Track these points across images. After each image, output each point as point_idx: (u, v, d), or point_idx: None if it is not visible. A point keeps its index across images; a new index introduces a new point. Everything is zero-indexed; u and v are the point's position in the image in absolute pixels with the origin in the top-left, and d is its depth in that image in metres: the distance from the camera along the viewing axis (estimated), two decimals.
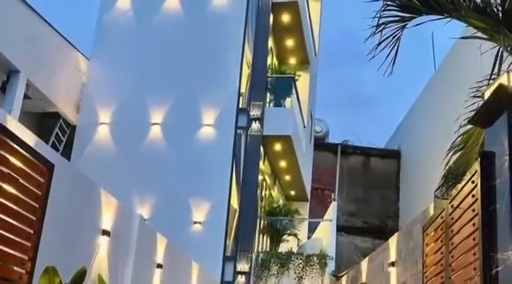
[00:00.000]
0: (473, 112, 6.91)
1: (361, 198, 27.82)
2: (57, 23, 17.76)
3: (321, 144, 28.24)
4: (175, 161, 17.59)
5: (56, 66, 17.90)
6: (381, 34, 7.66)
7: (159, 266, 11.37)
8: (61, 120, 18.44)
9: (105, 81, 19.06)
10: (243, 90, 18.33)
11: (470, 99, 7.49)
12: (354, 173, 28.65)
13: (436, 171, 21.52)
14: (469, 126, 7.30)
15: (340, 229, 23.22)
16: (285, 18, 20.08)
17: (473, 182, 5.99)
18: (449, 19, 7.65)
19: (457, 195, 6.56)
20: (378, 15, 7.80)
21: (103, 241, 8.86)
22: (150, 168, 17.62)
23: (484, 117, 5.91)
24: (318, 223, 20.09)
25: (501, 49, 7.29)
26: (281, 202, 19.92)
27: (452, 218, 6.63)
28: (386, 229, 26.71)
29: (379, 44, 7.81)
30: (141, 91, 18.53)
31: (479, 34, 7.56)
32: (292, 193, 22.24)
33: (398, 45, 7.68)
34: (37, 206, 6.59)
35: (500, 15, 6.73)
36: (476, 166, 5.91)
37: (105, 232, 8.89)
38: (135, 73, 18.88)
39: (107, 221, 8.96)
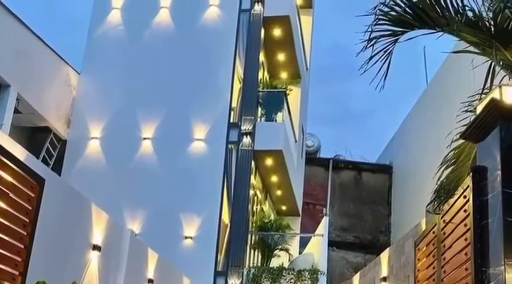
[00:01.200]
0: (465, 127, 6.97)
1: (352, 212, 27.81)
2: (47, 37, 17.78)
3: (312, 159, 28.25)
4: (166, 176, 17.56)
5: (47, 80, 17.88)
6: (373, 48, 7.69)
7: (150, 281, 11.34)
8: (52, 135, 18.39)
9: (96, 95, 19.03)
10: (234, 104, 18.33)
11: (462, 114, 7.52)
12: (345, 188, 28.65)
13: (428, 186, 21.52)
14: (461, 141, 7.33)
15: (332, 244, 23.20)
16: (277, 32, 20.12)
17: (465, 197, 6.01)
18: (442, 33, 7.70)
19: (449, 209, 6.58)
20: (370, 29, 7.83)
21: (93, 256, 8.84)
22: (141, 183, 17.58)
23: (476, 131, 5.95)
24: (310, 238, 20.05)
25: (493, 63, 7.34)
26: (272, 217, 19.87)
27: (444, 233, 6.65)
28: (378, 244, 26.68)
29: (371, 58, 7.85)
30: (131, 105, 18.52)
31: (472, 48, 7.61)
32: (284, 208, 22.22)
33: (390, 60, 7.71)
34: (27, 221, 6.59)
35: (492, 30, 6.78)
36: (469, 181, 5.93)
37: (96, 247, 8.88)
38: (125, 88, 18.88)
39: (97, 236, 8.94)
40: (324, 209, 22.93)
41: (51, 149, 18.49)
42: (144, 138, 18.06)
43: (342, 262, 25.56)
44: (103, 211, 9.24)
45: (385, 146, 31.44)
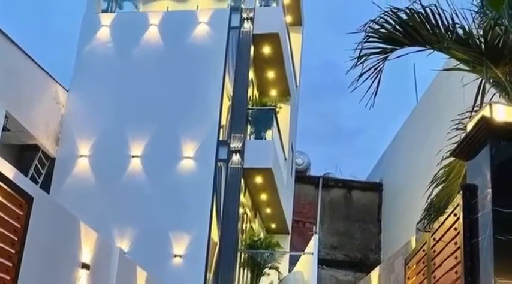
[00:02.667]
0: (455, 145, 7.00)
1: (342, 230, 27.77)
2: (37, 54, 17.79)
3: (302, 177, 28.21)
4: (155, 194, 17.52)
5: (35, 98, 17.86)
6: (363, 66, 7.72)
7: None
8: (40, 153, 18.35)
9: (85, 113, 19.01)
10: (223, 122, 18.35)
11: (452, 131, 7.55)
12: (335, 206, 28.61)
13: (418, 204, 21.53)
14: (452, 159, 7.35)
15: (322, 262, 23.17)
16: (266, 50, 20.14)
17: (455, 215, 6.02)
18: (432, 51, 7.75)
19: (439, 227, 6.59)
20: (360, 46, 7.87)
21: (82, 275, 8.80)
22: (130, 201, 17.53)
23: (466, 149, 5.97)
24: (299, 256, 20.01)
25: (483, 81, 7.38)
26: (262, 235, 19.82)
27: (434, 252, 6.65)
28: (368, 263, 26.60)
29: (361, 75, 7.88)
30: (120, 123, 18.51)
31: (462, 66, 7.65)
32: (273, 226, 22.17)
33: (380, 77, 7.74)
34: (16, 239, 6.56)
35: (483, 47, 6.82)
36: (459, 199, 5.94)
37: (85, 266, 8.84)
38: (114, 105, 18.87)
39: (86, 254, 8.91)
40: (314, 227, 22.91)
41: (39, 167, 18.44)
42: (133, 156, 18.03)
43: (331, 281, 25.51)
44: (92, 230, 9.22)
45: (375, 164, 31.48)
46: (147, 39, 19.65)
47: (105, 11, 20.85)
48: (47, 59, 18.96)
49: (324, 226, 27.08)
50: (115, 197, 17.67)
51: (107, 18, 20.19)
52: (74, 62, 19.79)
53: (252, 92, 20.79)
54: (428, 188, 7.57)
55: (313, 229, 20.36)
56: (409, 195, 23.77)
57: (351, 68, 7.89)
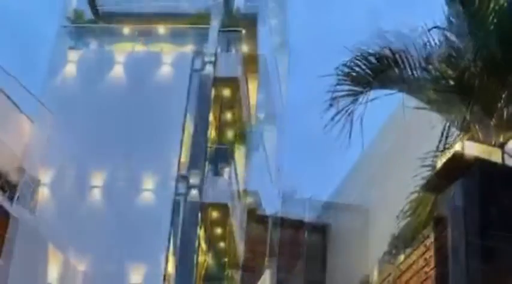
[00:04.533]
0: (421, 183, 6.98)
1: (290, 268, 27.56)
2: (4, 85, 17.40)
3: (253, 215, 27.99)
4: (114, 224, 17.18)
5: (0, 127, 17.42)
6: (337, 107, 7.64)
7: None
8: (3, 180, 17.83)
9: (48, 143, 18.60)
10: (183, 158, 18.18)
11: (419, 169, 7.50)
12: (284, 244, 28.45)
13: (363, 245, 21.55)
14: (416, 194, 7.31)
15: None
16: (226, 92, 20.16)
17: (425, 246, 5.96)
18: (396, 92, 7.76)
19: (406, 258, 6.52)
20: (332, 89, 7.79)
21: None
22: (88, 229, 17.08)
23: (437, 183, 5.94)
24: None
25: (448, 124, 7.39)
26: (215, 268, 19.53)
27: (400, 282, 6.56)
28: None
29: (332, 119, 7.77)
30: (83, 154, 18.23)
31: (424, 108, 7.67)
32: (226, 260, 21.90)
33: (352, 119, 7.65)
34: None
35: (456, 88, 6.83)
36: (429, 230, 5.90)
37: None
38: (78, 138, 18.51)
39: (53, 274, 8.61)
40: (266, 262, 22.66)
41: (1, 194, 17.87)
42: (94, 186, 17.68)
43: None
44: (59, 252, 8.93)
45: (321, 205, 31.43)
46: (112, 76, 19.51)
47: (72, 47, 20.62)
48: (14, 90, 18.52)
49: (272, 262, 26.81)
50: (74, 225, 17.18)
51: (74, 55, 19.99)
52: (40, 94, 19.41)
53: (211, 132, 20.66)
54: (397, 222, 7.47)
55: (265, 264, 20.14)
56: (354, 236, 23.80)
57: (325, 111, 7.79)
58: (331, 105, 7.78)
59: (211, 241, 20.87)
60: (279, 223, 29.00)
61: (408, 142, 17.28)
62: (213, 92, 19.59)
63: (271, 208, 31.15)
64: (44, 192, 17.87)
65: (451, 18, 7.64)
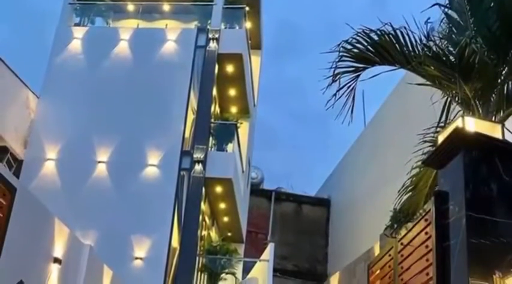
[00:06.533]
0: (420, 158, 6.94)
1: (292, 242, 27.67)
2: (9, 61, 17.39)
3: (256, 190, 28.09)
4: (119, 198, 17.20)
5: (6, 102, 17.44)
6: (339, 83, 7.62)
7: None
8: (8, 155, 17.87)
9: (54, 119, 18.61)
10: (187, 134, 18.17)
11: (420, 144, 7.50)
12: (286, 219, 28.56)
13: (364, 218, 21.62)
14: (418, 169, 7.30)
15: (273, 270, 22.96)
16: (229, 68, 20.07)
17: (426, 220, 5.95)
18: (397, 68, 7.72)
19: (407, 233, 6.51)
20: (334, 65, 7.78)
21: (54, 269, 8.51)
22: (94, 204, 17.14)
23: (438, 158, 5.92)
24: (253, 264, 19.78)
25: (449, 98, 7.36)
26: (219, 241, 19.55)
27: (402, 256, 6.56)
28: (315, 273, 26.67)
29: (335, 95, 7.77)
30: (88, 130, 18.19)
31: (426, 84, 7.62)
32: (229, 234, 21.92)
33: (354, 95, 7.66)
34: None
35: (456, 64, 6.78)
36: (430, 205, 5.89)
37: (57, 260, 8.56)
38: (83, 113, 18.53)
39: (58, 249, 8.62)
40: (268, 236, 22.73)
41: (7, 168, 17.92)
42: (99, 162, 17.69)
43: None
44: (64, 226, 8.94)
45: (324, 181, 31.56)
46: (116, 53, 19.42)
47: (77, 24, 20.57)
48: (20, 66, 18.50)
49: (274, 237, 26.93)
50: (80, 200, 17.26)
51: (79, 32, 19.92)
52: (46, 70, 19.41)
53: (214, 108, 20.64)
54: (398, 197, 7.48)
55: (268, 238, 20.19)
56: (355, 210, 23.87)
57: (327, 87, 7.79)
58: (333, 81, 7.79)
59: (215, 216, 20.93)
60: (282, 198, 29.18)
61: (409, 117, 17.31)
62: (216, 68, 19.52)
63: (273, 183, 31.29)
64: (49, 167, 17.89)
65: None
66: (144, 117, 18.32)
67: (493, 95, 6.81)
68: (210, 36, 19.56)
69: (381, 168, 20.46)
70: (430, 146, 7.25)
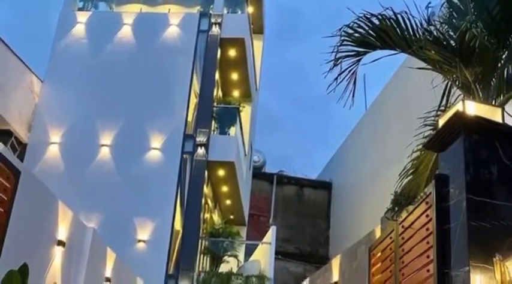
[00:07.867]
0: (421, 140, 6.93)
1: (294, 225, 27.71)
2: (13, 45, 17.37)
3: (258, 173, 28.12)
4: (122, 181, 17.22)
5: (11, 86, 17.42)
6: (341, 68, 7.61)
7: (108, 280, 11.02)
8: (13, 138, 17.88)
9: (58, 103, 18.61)
10: (190, 118, 18.17)
11: (420, 128, 7.48)
12: (288, 202, 28.59)
13: (365, 202, 21.63)
14: (419, 153, 7.30)
15: (275, 253, 23.04)
16: (232, 53, 20.04)
17: (427, 203, 5.95)
18: (398, 52, 7.69)
19: (408, 216, 6.52)
20: (336, 50, 7.75)
21: (58, 251, 8.52)
22: (97, 188, 17.16)
23: (439, 142, 5.91)
24: (255, 247, 19.82)
25: (449, 83, 7.34)
26: (222, 224, 19.61)
27: (402, 238, 6.57)
28: (317, 255, 26.73)
29: (336, 79, 7.75)
30: (92, 114, 18.20)
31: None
32: (232, 217, 21.99)
33: (355, 79, 7.64)
34: (2, 210, 6.28)
35: (457, 48, 6.75)
36: (431, 188, 5.88)
37: (61, 243, 8.57)
38: (87, 97, 18.55)
39: (62, 232, 8.62)
40: (270, 219, 22.75)
41: (11, 152, 17.93)
42: (103, 145, 17.71)
43: (283, 272, 25.34)
44: (68, 209, 8.95)
45: (325, 164, 31.58)
46: (120, 37, 19.41)
47: (81, 9, 20.55)
48: (24, 51, 18.47)
49: (276, 220, 26.97)
50: (83, 183, 17.30)
51: (82, 16, 19.92)
52: (50, 54, 19.40)
53: (216, 92, 20.61)
54: (398, 179, 7.48)
55: (269, 222, 20.23)
56: (356, 194, 23.89)
57: (328, 71, 7.76)
58: (335, 65, 7.77)
59: (217, 199, 20.97)
60: (283, 181, 29.20)
61: (410, 101, 17.28)
62: (219, 53, 19.49)
63: (275, 166, 31.30)
64: (53, 151, 17.91)
65: None
66: (147, 100, 18.32)
67: (493, 79, 6.79)
68: (213, 20, 19.55)
69: (381, 151, 20.46)
70: (430, 130, 7.23)
